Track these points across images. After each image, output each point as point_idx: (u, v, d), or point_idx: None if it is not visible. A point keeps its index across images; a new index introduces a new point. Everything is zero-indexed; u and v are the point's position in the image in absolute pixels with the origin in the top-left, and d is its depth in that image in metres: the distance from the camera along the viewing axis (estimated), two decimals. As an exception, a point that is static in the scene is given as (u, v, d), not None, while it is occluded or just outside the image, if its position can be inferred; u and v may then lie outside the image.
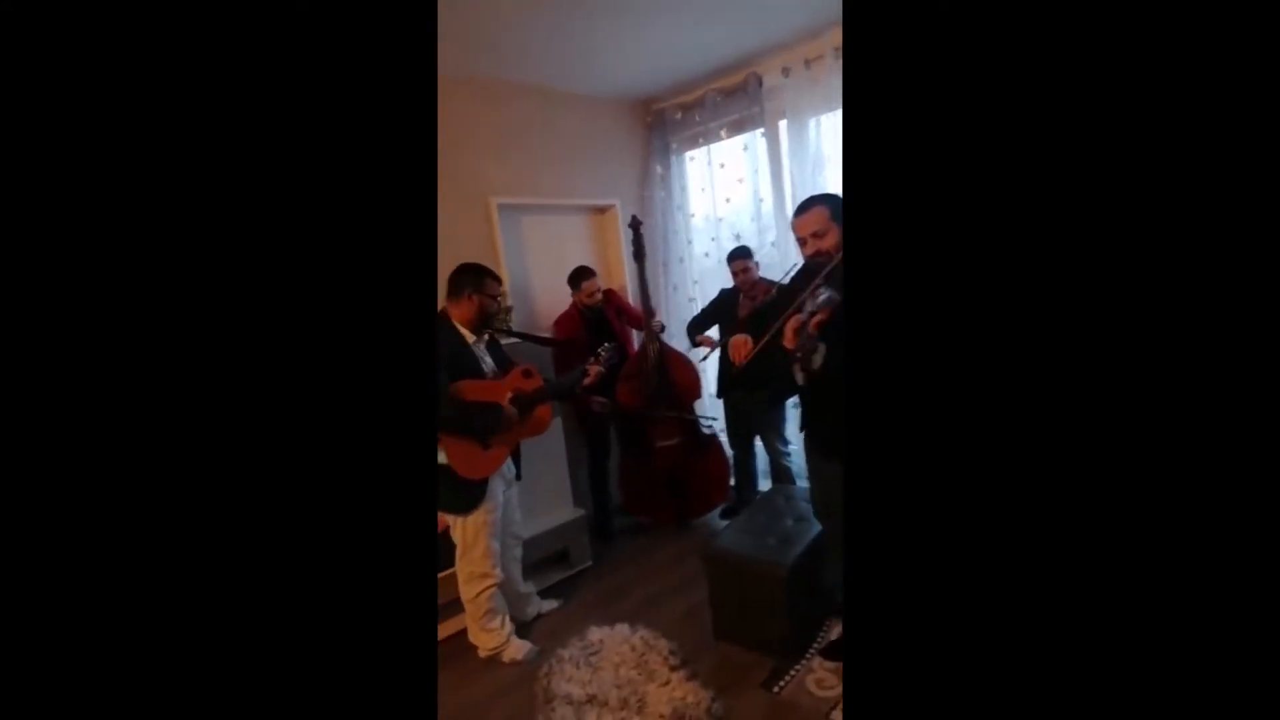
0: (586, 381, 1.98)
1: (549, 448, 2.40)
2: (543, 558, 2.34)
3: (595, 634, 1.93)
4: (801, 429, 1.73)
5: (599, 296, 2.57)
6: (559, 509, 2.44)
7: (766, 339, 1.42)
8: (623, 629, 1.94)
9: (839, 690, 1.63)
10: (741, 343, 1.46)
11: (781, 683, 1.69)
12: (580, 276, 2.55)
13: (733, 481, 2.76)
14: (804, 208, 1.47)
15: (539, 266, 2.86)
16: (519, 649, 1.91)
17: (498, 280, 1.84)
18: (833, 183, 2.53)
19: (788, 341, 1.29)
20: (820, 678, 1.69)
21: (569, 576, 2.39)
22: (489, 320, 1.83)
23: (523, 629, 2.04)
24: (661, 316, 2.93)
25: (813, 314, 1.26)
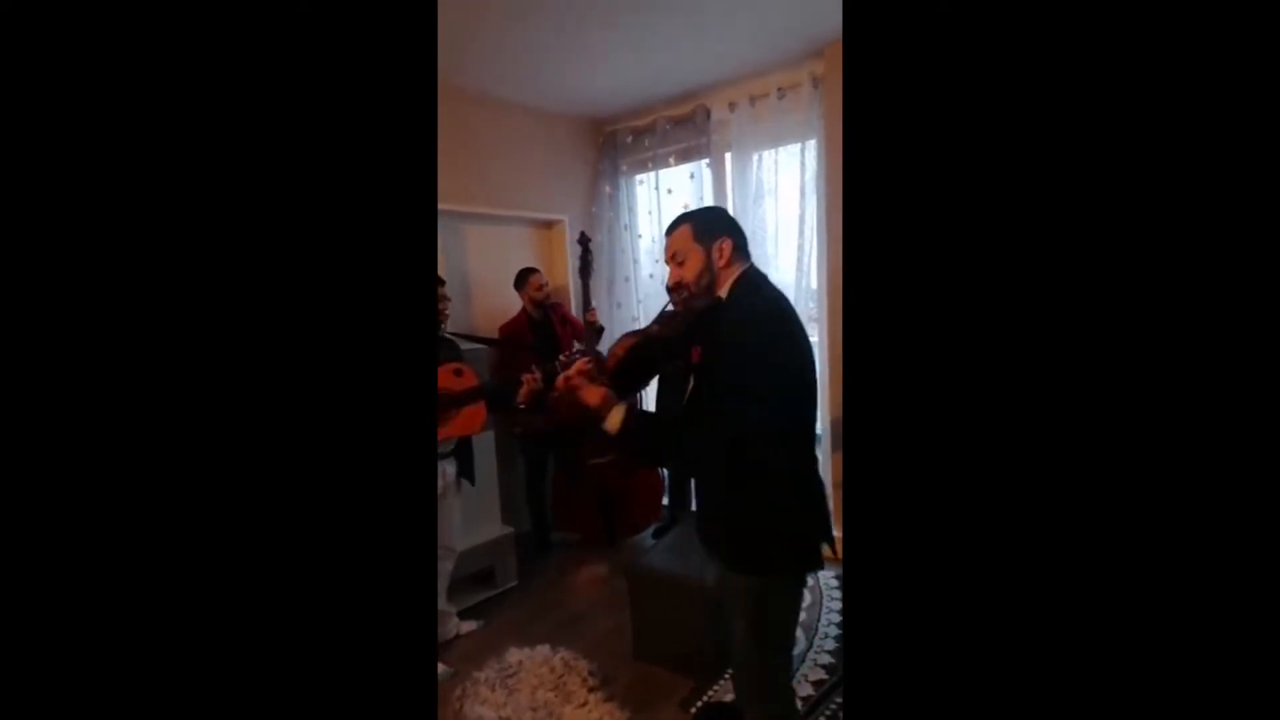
0: (519, 401, 1.84)
1: (479, 462, 2.33)
2: (466, 576, 2.26)
3: (514, 655, 1.88)
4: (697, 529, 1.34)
5: (548, 290, 2.60)
6: (487, 526, 2.37)
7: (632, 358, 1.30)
8: (543, 650, 1.90)
9: (754, 709, 1.65)
10: (531, 379, 1.50)
11: (700, 702, 1.69)
12: (526, 274, 2.59)
13: (666, 500, 2.78)
14: (671, 227, 1.19)
15: (483, 277, 2.82)
16: (432, 671, 1.83)
17: (440, 280, 1.87)
18: (771, 214, 2.65)
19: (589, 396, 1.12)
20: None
21: (493, 596, 2.32)
22: None
23: (438, 650, 1.96)
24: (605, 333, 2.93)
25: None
